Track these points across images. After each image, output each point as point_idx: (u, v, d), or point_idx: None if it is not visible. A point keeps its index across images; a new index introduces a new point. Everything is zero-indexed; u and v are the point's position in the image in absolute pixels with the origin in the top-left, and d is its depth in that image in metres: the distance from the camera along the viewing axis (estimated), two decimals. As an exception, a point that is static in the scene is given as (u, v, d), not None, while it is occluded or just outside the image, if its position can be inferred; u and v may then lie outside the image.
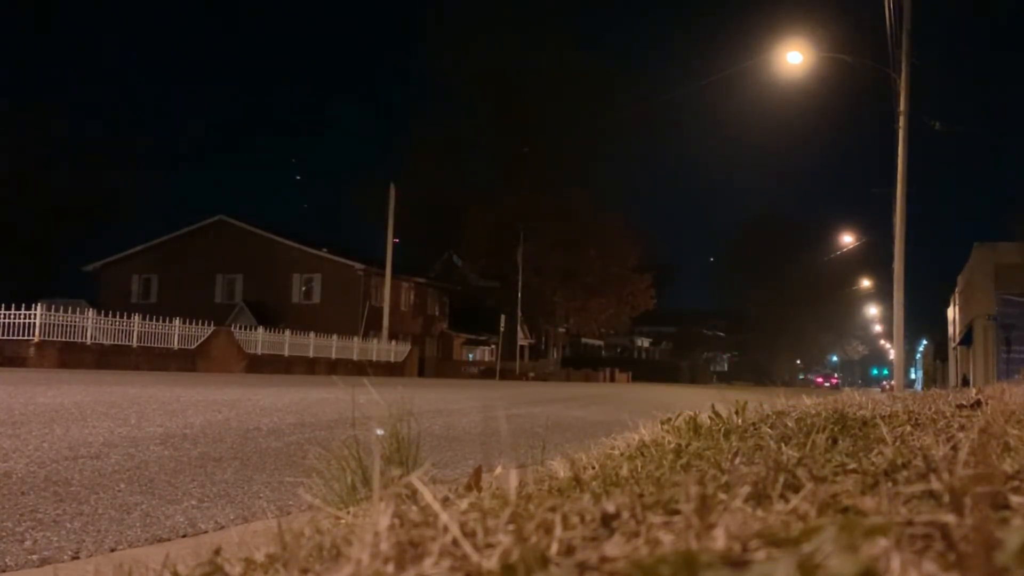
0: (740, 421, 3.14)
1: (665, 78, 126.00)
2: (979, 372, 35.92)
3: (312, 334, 35.98)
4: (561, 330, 62.34)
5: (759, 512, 1.06)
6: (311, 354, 35.57)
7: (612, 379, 55.84)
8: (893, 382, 22.26)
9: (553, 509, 1.01)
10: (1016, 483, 1.20)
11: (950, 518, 0.90)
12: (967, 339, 41.19)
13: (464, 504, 1.26)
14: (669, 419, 3.21)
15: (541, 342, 60.92)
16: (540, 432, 6.54)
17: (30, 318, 24.07)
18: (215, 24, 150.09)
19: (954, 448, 1.64)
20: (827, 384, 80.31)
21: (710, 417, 3.26)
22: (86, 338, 25.51)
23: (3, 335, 23.96)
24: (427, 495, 1.08)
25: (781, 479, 1.27)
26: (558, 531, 0.95)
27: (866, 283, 66.96)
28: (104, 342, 26.08)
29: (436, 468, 2.71)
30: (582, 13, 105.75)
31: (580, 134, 55.60)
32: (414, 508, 1.07)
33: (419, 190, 50.58)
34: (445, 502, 1.21)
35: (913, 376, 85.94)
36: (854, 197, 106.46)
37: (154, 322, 27.80)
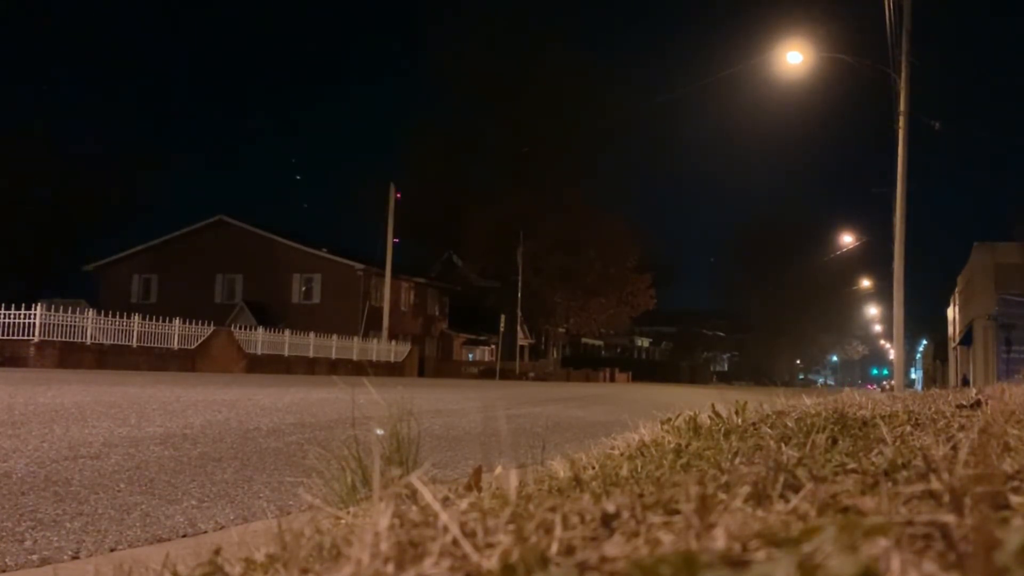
0: (740, 421, 3.14)
1: (665, 78, 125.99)
2: (979, 372, 35.92)
3: (312, 334, 35.97)
4: (561, 330, 62.34)
5: (759, 512, 1.06)
6: (311, 354, 35.56)
7: (612, 379, 55.85)
8: (893, 382, 22.26)
9: (553, 509, 1.01)
10: (1016, 483, 1.20)
11: (950, 518, 0.90)
12: (967, 339, 41.19)
13: (464, 504, 1.26)
14: (669, 419, 3.21)
15: (541, 342, 60.92)
16: (540, 432, 6.55)
17: (30, 318, 24.07)
18: (215, 23, 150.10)
19: (954, 448, 1.64)
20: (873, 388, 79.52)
21: (710, 417, 3.26)
22: (86, 338, 25.51)
23: (3, 335, 23.96)
24: (427, 495, 1.08)
25: (781, 479, 1.27)
26: (558, 531, 0.95)
27: (866, 283, 66.93)
28: (104, 342, 26.07)
29: (436, 468, 2.71)
30: (583, 13, 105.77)
31: (580, 134, 55.62)
32: (414, 508, 1.07)
33: (419, 190, 50.59)
34: (445, 502, 1.21)
35: (913, 376, 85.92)
36: (854, 197, 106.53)
37: (154, 322, 27.80)
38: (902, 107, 18.89)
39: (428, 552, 0.91)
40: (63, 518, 3.18)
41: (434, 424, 7.63)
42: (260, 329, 33.92)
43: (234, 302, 45.48)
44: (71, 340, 25.00)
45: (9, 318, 24.08)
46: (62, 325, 24.78)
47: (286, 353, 34.10)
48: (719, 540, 0.87)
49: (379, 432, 2.82)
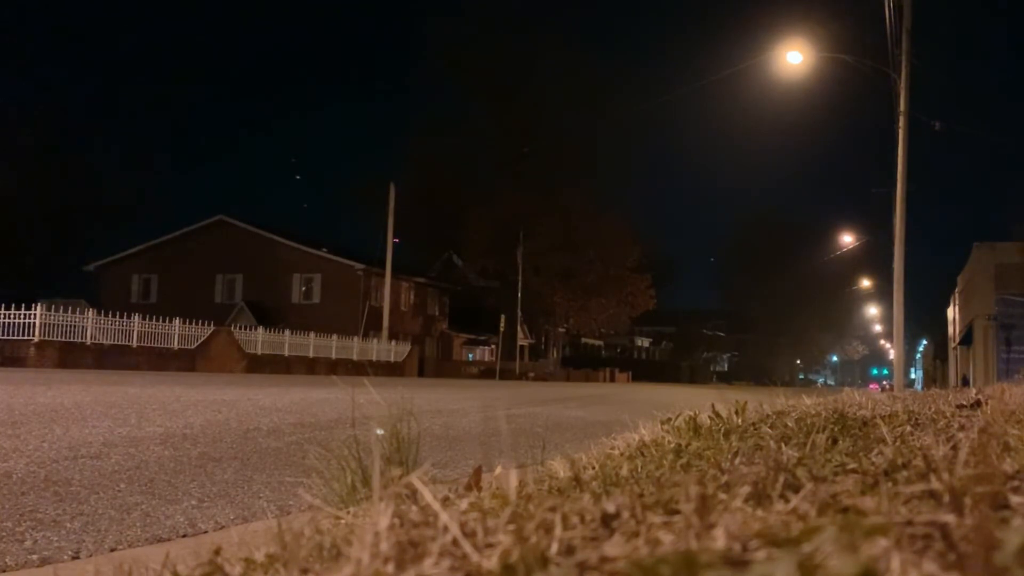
0: (740, 421, 3.14)
1: (666, 78, 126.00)
2: (979, 372, 35.90)
3: (312, 334, 35.97)
4: (561, 330, 62.36)
5: (759, 512, 1.06)
6: (311, 354, 35.57)
7: (612, 379, 55.85)
8: (892, 382, 22.26)
9: (553, 509, 1.01)
10: (1016, 483, 1.20)
11: (950, 518, 0.90)
12: (967, 339, 41.18)
13: (464, 504, 1.26)
14: (669, 419, 3.21)
15: (541, 342, 60.93)
16: (540, 432, 6.55)
17: (30, 318, 24.07)
18: (216, 24, 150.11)
19: (954, 448, 1.64)
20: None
21: (710, 417, 3.26)
22: (86, 338, 25.51)
23: (3, 335, 23.96)
24: (427, 495, 1.08)
25: (781, 479, 1.27)
26: (558, 531, 0.95)
27: (866, 283, 66.95)
28: (104, 342, 26.07)
29: (436, 468, 2.71)
30: (583, 13, 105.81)
31: (580, 134, 55.62)
32: (414, 508, 1.07)
33: (419, 190, 50.59)
34: (445, 502, 1.21)
35: (913, 376, 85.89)
36: (854, 197, 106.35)
37: (154, 322, 27.79)
38: (902, 107, 18.90)
39: (428, 552, 0.91)
40: (63, 518, 3.18)
41: (434, 424, 7.63)
42: (260, 329, 33.92)
43: (234, 302, 45.48)
44: (71, 340, 24.99)
45: (9, 318, 24.08)
46: (62, 325, 24.78)
47: (286, 353, 34.10)
48: (719, 540, 0.87)
49: (379, 432, 2.82)
